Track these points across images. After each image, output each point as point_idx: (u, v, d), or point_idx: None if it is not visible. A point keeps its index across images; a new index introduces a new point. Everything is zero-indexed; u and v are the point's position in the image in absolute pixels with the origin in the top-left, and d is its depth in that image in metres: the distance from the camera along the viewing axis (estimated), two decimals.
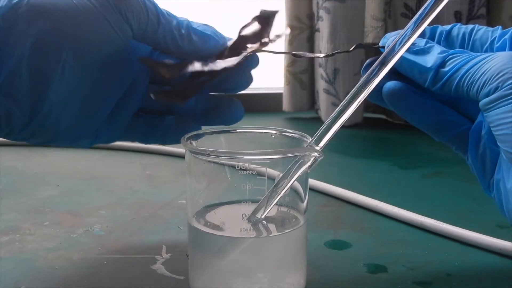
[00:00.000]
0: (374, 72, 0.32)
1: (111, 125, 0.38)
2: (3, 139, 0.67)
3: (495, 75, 0.29)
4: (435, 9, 0.32)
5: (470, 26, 0.35)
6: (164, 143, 0.40)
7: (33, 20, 0.31)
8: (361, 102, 0.32)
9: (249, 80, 0.39)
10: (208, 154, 0.29)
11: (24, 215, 0.45)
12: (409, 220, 0.43)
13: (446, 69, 0.32)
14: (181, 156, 0.64)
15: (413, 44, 0.33)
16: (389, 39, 0.35)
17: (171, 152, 0.65)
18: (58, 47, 0.31)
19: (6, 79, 0.31)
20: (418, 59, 0.33)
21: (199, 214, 0.31)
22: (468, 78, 0.31)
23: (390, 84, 0.34)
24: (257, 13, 0.40)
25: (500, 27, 0.34)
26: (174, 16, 0.36)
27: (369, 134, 0.80)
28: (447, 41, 0.35)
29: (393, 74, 0.35)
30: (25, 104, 0.32)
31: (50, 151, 0.66)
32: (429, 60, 0.32)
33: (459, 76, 0.31)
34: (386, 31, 0.82)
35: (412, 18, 0.33)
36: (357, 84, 0.32)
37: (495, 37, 0.33)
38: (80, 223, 0.43)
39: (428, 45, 0.33)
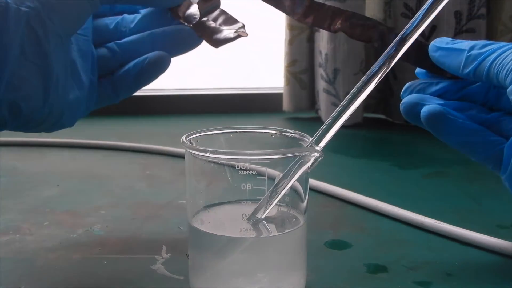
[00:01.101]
0: (374, 72, 0.32)
1: (84, 91, 0.39)
2: (3, 139, 0.67)
3: None
4: (435, 9, 0.32)
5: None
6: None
7: (22, 2, 0.32)
8: (361, 102, 0.32)
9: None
10: (208, 154, 0.29)
11: (24, 215, 0.45)
12: (409, 220, 0.43)
13: (480, 51, 0.33)
14: (181, 156, 0.64)
15: (452, 40, 0.35)
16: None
17: (171, 152, 0.65)
18: (51, 22, 0.33)
19: (15, 62, 0.32)
20: (455, 45, 0.35)
21: (199, 214, 0.31)
22: (499, 62, 0.31)
23: (429, 108, 0.35)
24: None
25: None
26: None
27: (369, 134, 0.80)
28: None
29: (423, 73, 0.37)
30: (37, 85, 0.34)
31: (50, 151, 0.66)
32: (464, 45, 0.34)
33: (491, 60, 0.32)
34: None
35: (412, 18, 0.33)
36: (357, 84, 0.32)
37: None
38: (80, 223, 0.43)
39: (466, 42, 0.35)
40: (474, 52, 0.33)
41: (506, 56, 0.31)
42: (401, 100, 0.37)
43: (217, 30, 0.40)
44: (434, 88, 0.37)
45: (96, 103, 0.41)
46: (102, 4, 0.37)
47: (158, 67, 0.40)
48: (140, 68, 0.40)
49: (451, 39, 0.36)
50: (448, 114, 0.35)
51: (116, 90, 0.41)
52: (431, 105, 0.35)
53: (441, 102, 0.36)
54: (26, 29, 0.32)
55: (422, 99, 0.36)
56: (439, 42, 0.36)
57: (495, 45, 0.33)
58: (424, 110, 0.35)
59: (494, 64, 0.32)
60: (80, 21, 0.36)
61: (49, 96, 0.35)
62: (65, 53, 0.36)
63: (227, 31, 0.40)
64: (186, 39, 0.41)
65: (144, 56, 0.40)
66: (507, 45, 0.32)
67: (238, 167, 0.29)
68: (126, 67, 0.41)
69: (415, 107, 0.36)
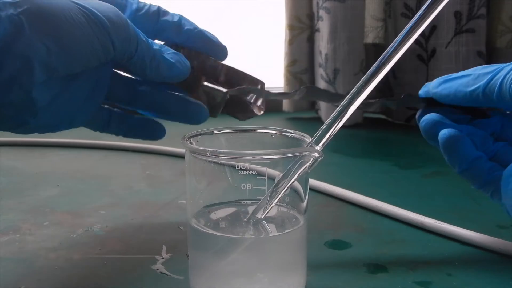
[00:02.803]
0: (374, 72, 0.32)
1: (79, 113, 0.39)
2: (3, 139, 0.67)
3: None
4: (435, 9, 0.32)
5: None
6: (124, 134, 0.44)
7: (38, 33, 0.32)
8: (361, 102, 0.32)
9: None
10: (208, 154, 0.29)
11: (24, 215, 0.45)
12: (409, 220, 0.43)
13: (486, 70, 0.33)
14: (181, 156, 0.64)
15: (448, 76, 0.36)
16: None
17: (171, 152, 0.65)
18: (55, 57, 0.33)
19: (5, 85, 0.32)
20: (455, 75, 0.35)
21: (199, 214, 0.31)
22: (511, 77, 0.32)
23: (450, 131, 0.35)
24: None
25: None
26: (151, 44, 0.38)
27: (369, 134, 0.80)
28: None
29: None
30: (17, 104, 0.33)
31: (50, 151, 0.66)
32: (469, 72, 0.34)
33: (503, 76, 0.32)
34: (386, 31, 0.82)
35: (412, 18, 0.33)
36: (357, 84, 0.32)
37: None
38: (80, 223, 0.43)
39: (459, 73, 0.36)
40: (480, 72, 0.34)
41: None
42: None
43: (244, 107, 0.43)
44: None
45: (86, 123, 0.42)
46: (112, 60, 0.37)
47: (148, 134, 0.45)
48: (131, 127, 0.44)
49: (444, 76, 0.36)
50: (463, 139, 0.35)
51: (107, 126, 0.43)
52: (451, 129, 0.36)
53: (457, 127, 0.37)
54: (26, 60, 0.32)
55: (443, 119, 0.36)
56: (439, 78, 0.36)
57: (497, 65, 0.33)
58: (444, 132, 0.35)
59: (506, 80, 0.32)
60: (86, 67, 0.35)
61: (27, 122, 0.35)
62: (60, 85, 0.35)
63: (254, 108, 0.43)
64: (198, 114, 0.43)
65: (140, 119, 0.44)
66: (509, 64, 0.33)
67: (238, 167, 0.29)
68: (127, 117, 0.43)
69: (435, 126, 0.36)
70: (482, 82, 0.33)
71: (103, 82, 0.40)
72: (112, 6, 0.36)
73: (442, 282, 0.34)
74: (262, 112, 0.43)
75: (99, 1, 0.36)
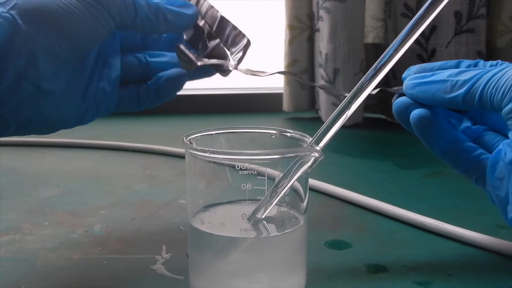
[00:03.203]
0: (374, 72, 0.32)
1: (100, 98, 0.40)
2: (3, 139, 0.67)
3: None
4: (435, 9, 0.32)
5: (494, 62, 0.35)
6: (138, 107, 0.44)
7: (32, 24, 0.32)
8: (361, 102, 0.32)
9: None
10: (208, 154, 0.29)
11: (24, 215, 0.45)
12: (409, 220, 0.43)
13: (466, 77, 0.32)
14: (181, 156, 0.64)
15: (423, 75, 0.34)
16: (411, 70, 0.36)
17: (171, 152, 0.65)
18: (59, 46, 0.33)
19: (14, 81, 0.32)
20: (435, 78, 0.33)
21: (199, 214, 0.31)
22: (492, 85, 0.31)
23: (420, 111, 0.34)
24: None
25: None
26: (149, 0, 0.39)
27: (369, 134, 0.80)
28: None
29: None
30: (31, 100, 0.34)
31: (50, 151, 0.66)
32: (446, 76, 0.33)
33: (484, 83, 0.31)
34: (386, 31, 0.82)
35: (412, 18, 0.33)
36: (357, 84, 0.32)
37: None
38: (80, 223, 0.43)
39: (437, 70, 0.34)
40: (457, 79, 0.32)
41: (499, 78, 0.30)
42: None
43: (223, 57, 0.43)
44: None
45: (116, 108, 0.42)
46: (116, 29, 0.37)
47: (175, 84, 0.43)
48: (158, 84, 0.43)
49: (419, 74, 0.34)
50: (437, 119, 0.34)
51: (139, 101, 0.43)
52: (422, 109, 0.34)
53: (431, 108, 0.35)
54: (29, 55, 0.32)
55: (415, 101, 0.35)
56: (413, 78, 0.35)
57: (476, 71, 0.32)
58: (415, 112, 0.34)
59: (486, 89, 0.31)
60: (93, 45, 0.37)
61: (43, 112, 0.35)
62: (73, 72, 0.36)
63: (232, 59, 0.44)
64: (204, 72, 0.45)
65: (162, 73, 0.42)
66: (492, 68, 0.31)
67: (238, 167, 0.29)
68: (149, 81, 0.43)
69: (408, 108, 0.35)
70: (462, 90, 0.32)
71: (114, 58, 0.41)
72: None
73: (442, 282, 0.34)
74: (228, 71, 0.44)
75: None
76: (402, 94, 0.35)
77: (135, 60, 0.43)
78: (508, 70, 0.30)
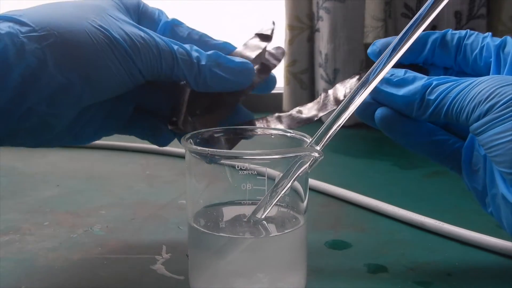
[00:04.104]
0: (375, 73, 0.32)
1: (109, 125, 0.38)
2: None
3: (484, 99, 0.29)
4: (435, 9, 0.32)
5: (463, 32, 0.35)
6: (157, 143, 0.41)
7: (62, 67, 0.31)
8: (361, 102, 0.32)
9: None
10: (208, 154, 0.29)
11: (24, 215, 0.45)
12: (409, 220, 0.43)
13: (432, 97, 0.32)
14: (181, 156, 0.64)
15: (391, 75, 0.33)
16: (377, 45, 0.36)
17: (171, 152, 0.65)
18: (81, 93, 0.32)
19: (24, 115, 0.31)
20: (400, 91, 0.33)
21: (199, 214, 0.31)
22: (456, 105, 0.31)
23: (382, 110, 0.34)
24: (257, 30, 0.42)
25: (489, 34, 0.35)
26: (197, 59, 0.35)
27: (369, 134, 0.80)
28: (442, 47, 0.35)
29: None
30: (35, 133, 0.33)
31: (50, 151, 0.66)
32: (412, 90, 0.32)
33: (447, 103, 0.31)
34: (386, 31, 0.82)
35: (412, 18, 0.33)
36: (357, 84, 0.32)
37: (484, 44, 0.34)
38: (80, 223, 0.43)
39: (407, 74, 0.33)
40: (425, 97, 0.32)
41: (463, 98, 0.30)
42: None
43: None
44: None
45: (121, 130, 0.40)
46: (146, 80, 0.35)
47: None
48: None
49: (389, 73, 0.33)
50: (402, 115, 0.34)
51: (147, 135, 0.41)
52: (384, 108, 0.34)
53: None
54: (49, 95, 0.31)
55: (376, 98, 0.35)
56: (380, 83, 0.34)
57: (443, 85, 0.31)
58: (378, 112, 0.35)
59: (451, 109, 0.31)
60: (115, 95, 0.35)
61: (41, 139, 0.34)
62: (80, 112, 0.34)
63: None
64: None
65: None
66: (456, 84, 0.31)
67: (238, 167, 0.29)
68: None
69: (369, 107, 0.35)
70: (428, 112, 0.32)
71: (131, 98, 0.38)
72: (135, 27, 0.34)
73: (442, 282, 0.34)
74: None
75: (124, 22, 0.34)
76: None
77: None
78: (471, 88, 0.30)
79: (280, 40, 0.88)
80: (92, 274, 0.35)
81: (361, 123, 0.86)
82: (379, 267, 0.36)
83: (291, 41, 0.86)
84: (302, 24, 0.86)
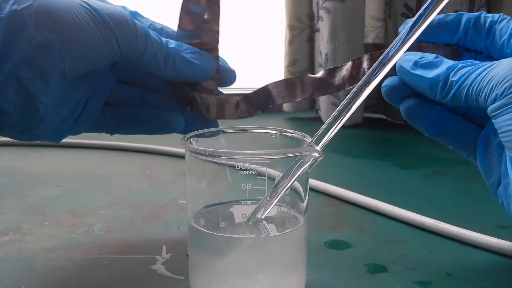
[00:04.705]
0: (374, 73, 0.32)
1: (80, 120, 0.38)
2: (3, 139, 0.67)
3: (500, 81, 0.29)
4: (435, 9, 0.32)
5: (496, 16, 0.35)
6: (136, 131, 0.42)
7: (42, 29, 0.31)
8: (361, 102, 0.32)
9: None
10: (208, 154, 0.29)
11: (24, 215, 0.45)
12: (409, 220, 0.43)
13: (455, 78, 0.32)
14: (181, 156, 0.64)
15: (421, 57, 0.34)
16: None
17: (171, 152, 0.65)
18: (60, 56, 0.32)
19: (5, 80, 0.31)
20: (427, 73, 0.33)
21: (199, 214, 0.31)
22: (476, 86, 0.31)
23: (408, 102, 0.35)
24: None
25: None
26: (166, 43, 0.37)
27: (369, 134, 0.80)
28: (475, 29, 0.35)
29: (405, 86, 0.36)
30: (19, 105, 0.32)
31: (50, 151, 0.66)
32: (438, 72, 0.33)
33: (468, 85, 0.31)
34: (386, 31, 0.82)
35: (412, 18, 0.33)
36: (357, 84, 0.32)
37: None
38: (80, 223, 0.43)
39: (437, 58, 0.34)
40: (448, 79, 0.32)
41: (482, 80, 0.31)
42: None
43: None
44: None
45: (89, 129, 0.40)
46: (123, 60, 0.36)
47: (162, 127, 0.41)
48: (143, 122, 0.41)
49: (419, 56, 0.34)
50: (426, 106, 0.35)
51: (116, 128, 0.41)
52: (411, 99, 0.35)
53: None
54: (33, 55, 0.31)
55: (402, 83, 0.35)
56: (407, 63, 0.34)
57: (466, 68, 0.32)
58: (403, 103, 0.35)
59: (471, 91, 0.31)
60: (95, 67, 0.35)
61: (25, 119, 0.33)
62: (66, 88, 0.34)
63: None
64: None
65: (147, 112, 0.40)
66: (477, 67, 0.32)
67: (238, 167, 0.29)
68: (134, 111, 0.41)
69: (395, 91, 0.36)
70: (450, 94, 0.32)
71: (105, 85, 0.39)
72: (116, 6, 0.35)
73: (442, 282, 0.34)
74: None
75: (105, 2, 0.35)
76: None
77: (129, 92, 0.41)
78: (491, 70, 0.31)
79: (280, 40, 0.88)
80: (92, 274, 0.35)
81: (361, 123, 0.86)
82: (379, 267, 0.36)
83: (291, 41, 0.86)
84: (302, 24, 0.86)
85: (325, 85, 0.38)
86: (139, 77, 0.41)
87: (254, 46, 0.96)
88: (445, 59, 0.33)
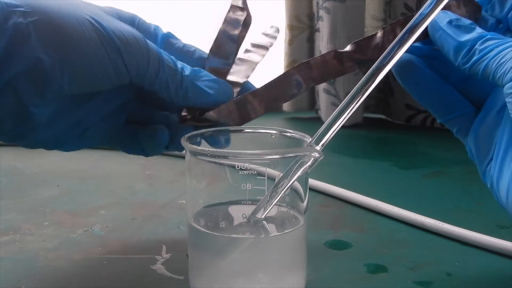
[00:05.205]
0: (374, 72, 0.32)
1: (95, 134, 0.38)
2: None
3: None
4: (435, 9, 0.32)
5: None
6: (143, 153, 0.41)
7: (44, 43, 0.30)
8: (361, 102, 0.32)
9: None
10: (208, 154, 0.29)
11: (24, 215, 0.45)
12: (409, 220, 0.43)
13: (480, 47, 0.32)
14: (181, 156, 0.64)
15: (457, 19, 0.34)
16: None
17: (171, 152, 0.65)
18: (59, 73, 0.31)
19: (2, 89, 0.31)
20: (458, 35, 0.33)
21: (199, 214, 0.31)
22: (497, 61, 0.31)
23: (403, 56, 0.34)
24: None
25: None
26: (181, 69, 0.35)
27: (369, 134, 0.80)
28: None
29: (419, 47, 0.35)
30: (13, 115, 0.32)
31: (50, 151, 0.66)
32: (468, 37, 0.33)
33: (490, 57, 0.31)
34: None
35: (412, 18, 0.33)
36: (357, 84, 0.32)
37: None
38: (80, 223, 0.43)
39: (471, 25, 0.34)
40: (474, 47, 0.32)
41: (504, 56, 0.31)
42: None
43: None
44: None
45: (104, 143, 0.39)
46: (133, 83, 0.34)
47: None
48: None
49: (455, 17, 0.34)
50: (418, 63, 0.35)
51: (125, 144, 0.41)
52: (407, 54, 0.35)
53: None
54: (31, 68, 0.30)
55: (432, 35, 0.35)
56: (442, 19, 0.34)
57: (494, 40, 0.32)
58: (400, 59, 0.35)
59: (491, 63, 0.31)
60: (98, 87, 0.33)
61: (18, 127, 0.33)
62: (63, 104, 0.33)
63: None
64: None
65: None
66: (505, 41, 0.32)
67: (238, 167, 0.29)
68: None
69: (409, 67, 0.36)
70: (472, 60, 0.32)
71: (123, 106, 0.38)
72: (130, 27, 0.34)
73: (442, 282, 0.34)
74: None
75: (118, 21, 0.34)
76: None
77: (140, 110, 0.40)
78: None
79: (280, 40, 0.88)
80: (92, 274, 0.35)
81: (361, 123, 0.86)
82: (379, 267, 0.36)
83: (291, 41, 0.86)
84: (302, 24, 0.86)
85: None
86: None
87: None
88: (478, 28, 0.33)
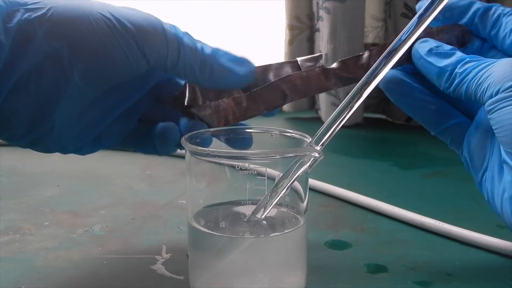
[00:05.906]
0: (374, 73, 0.32)
1: (111, 135, 0.38)
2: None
3: (497, 78, 0.30)
4: (435, 9, 0.32)
5: (507, 9, 0.36)
6: (156, 151, 0.40)
7: (51, 39, 0.30)
8: (361, 102, 0.32)
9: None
10: (208, 154, 0.29)
11: (24, 215, 0.45)
12: (409, 220, 0.43)
13: (459, 71, 0.33)
14: (181, 156, 0.63)
15: (437, 46, 0.35)
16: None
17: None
18: (70, 69, 0.31)
19: (13, 91, 0.30)
20: (438, 62, 0.34)
21: (199, 214, 0.31)
22: (476, 81, 0.32)
23: (390, 73, 0.36)
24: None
25: None
26: (202, 48, 0.34)
27: (369, 134, 0.80)
28: (482, 18, 0.36)
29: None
30: (26, 118, 0.32)
31: None
32: (448, 62, 0.34)
33: (469, 79, 0.32)
34: (386, 31, 0.82)
35: (412, 18, 0.33)
36: (357, 84, 0.32)
37: None
38: (80, 223, 0.43)
39: (451, 50, 0.35)
40: (454, 71, 0.33)
41: (481, 76, 0.32)
42: None
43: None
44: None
45: (119, 144, 0.39)
46: (152, 70, 0.34)
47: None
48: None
49: (435, 44, 0.35)
50: (405, 77, 0.36)
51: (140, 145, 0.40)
52: (394, 70, 0.36)
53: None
54: (42, 66, 0.30)
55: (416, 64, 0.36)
56: (423, 48, 0.35)
57: (472, 63, 0.33)
58: (388, 74, 0.35)
59: (471, 85, 0.32)
60: (114, 80, 0.33)
61: (30, 134, 0.33)
62: (79, 102, 0.33)
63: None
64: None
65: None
66: (481, 63, 0.32)
67: (238, 167, 0.29)
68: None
69: (398, 85, 0.37)
70: (454, 83, 0.33)
71: (138, 105, 0.37)
72: (145, 13, 0.33)
73: (442, 282, 0.34)
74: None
75: (130, 8, 0.33)
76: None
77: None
78: (491, 67, 0.31)
79: (280, 40, 0.88)
80: (92, 274, 0.35)
81: (361, 123, 0.86)
82: (379, 267, 0.36)
83: (291, 41, 0.86)
84: (302, 24, 0.86)
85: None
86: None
87: (254, 46, 0.96)
88: (458, 52, 0.34)
